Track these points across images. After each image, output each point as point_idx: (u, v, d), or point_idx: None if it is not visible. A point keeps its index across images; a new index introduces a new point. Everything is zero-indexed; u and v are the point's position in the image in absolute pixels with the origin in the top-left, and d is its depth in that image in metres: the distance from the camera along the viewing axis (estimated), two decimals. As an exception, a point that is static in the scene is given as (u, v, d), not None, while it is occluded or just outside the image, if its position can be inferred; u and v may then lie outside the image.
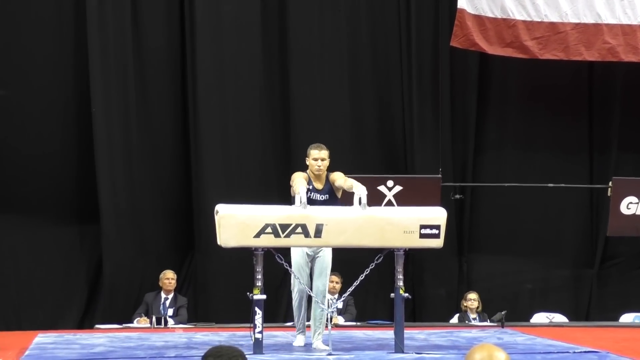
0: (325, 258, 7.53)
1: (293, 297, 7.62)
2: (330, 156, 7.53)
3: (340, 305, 9.58)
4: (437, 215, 7.24)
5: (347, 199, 7.53)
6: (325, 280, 7.57)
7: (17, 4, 10.44)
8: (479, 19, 10.40)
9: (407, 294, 7.27)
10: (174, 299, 10.01)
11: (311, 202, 7.15)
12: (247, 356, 2.83)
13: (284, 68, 10.93)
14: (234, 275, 10.17)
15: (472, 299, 10.26)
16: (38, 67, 10.52)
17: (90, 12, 10.39)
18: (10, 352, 7.28)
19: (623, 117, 11.37)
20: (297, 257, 7.49)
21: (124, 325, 9.68)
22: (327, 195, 7.41)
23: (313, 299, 7.49)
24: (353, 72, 11.07)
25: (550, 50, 10.50)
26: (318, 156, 7.41)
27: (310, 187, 7.35)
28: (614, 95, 11.43)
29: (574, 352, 7.27)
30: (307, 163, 7.48)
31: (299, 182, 7.17)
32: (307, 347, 7.58)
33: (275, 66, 10.94)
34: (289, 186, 7.40)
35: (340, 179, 7.40)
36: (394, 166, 11.01)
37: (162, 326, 9.40)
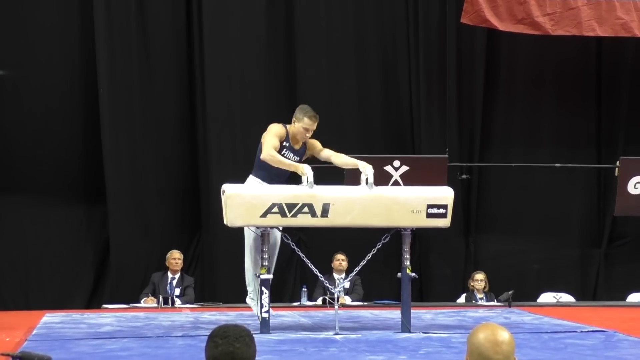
0: (276, 240, 7.43)
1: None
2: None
3: (347, 285, 9.59)
4: (445, 194, 7.23)
5: (352, 179, 7.49)
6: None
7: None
8: None
9: (414, 274, 7.26)
10: (181, 278, 10.03)
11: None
12: (254, 336, 2.82)
13: (290, 47, 10.90)
14: (241, 255, 10.16)
15: (479, 279, 10.25)
16: (45, 48, 10.52)
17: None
18: (18, 331, 7.30)
19: (632, 99, 11.32)
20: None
21: (132, 305, 9.70)
22: (299, 158, 7.27)
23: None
24: (359, 51, 11.03)
25: (562, 26, 10.40)
26: (310, 128, 7.22)
27: (287, 144, 7.20)
28: (623, 78, 11.38)
29: (581, 332, 7.27)
30: (294, 124, 7.22)
31: (288, 163, 7.05)
32: (314, 326, 7.59)
33: (281, 46, 10.90)
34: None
35: (321, 151, 7.27)
36: (401, 146, 10.98)
37: (169, 306, 9.42)
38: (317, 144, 7.37)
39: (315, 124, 7.22)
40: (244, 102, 10.84)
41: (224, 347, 2.65)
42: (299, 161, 7.24)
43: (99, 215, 10.64)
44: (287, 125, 7.26)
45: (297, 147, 7.26)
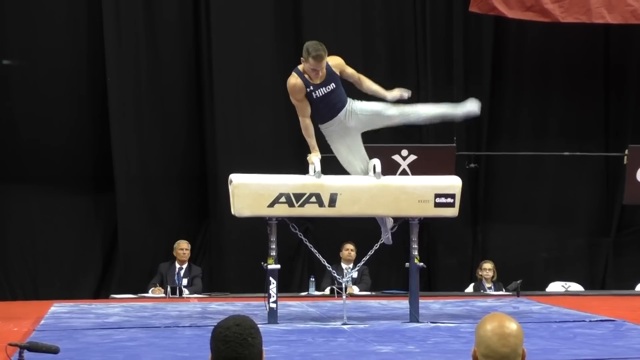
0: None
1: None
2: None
3: (355, 275, 9.58)
4: (452, 183, 7.21)
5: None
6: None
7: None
8: None
9: (422, 264, 7.24)
10: (189, 268, 10.02)
11: (317, 100, 6.93)
12: (262, 326, 2.80)
13: (297, 34, 10.85)
14: (249, 245, 10.17)
15: (488, 269, 10.22)
16: (53, 36, 10.52)
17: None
18: (26, 321, 7.31)
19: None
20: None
21: (139, 295, 9.71)
22: (333, 84, 6.98)
23: None
24: (367, 38, 11.00)
25: (572, 13, 10.32)
26: (318, 67, 6.85)
27: (310, 88, 6.96)
28: (631, 67, 11.33)
29: (590, 321, 7.25)
30: (304, 64, 6.95)
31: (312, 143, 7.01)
32: (322, 316, 7.58)
33: (289, 32, 10.87)
34: (304, 153, 7.27)
35: (346, 69, 7.03)
36: (409, 135, 10.93)
37: (177, 296, 9.42)
38: (339, 62, 7.02)
39: (323, 62, 6.85)
40: (252, 90, 10.81)
41: (227, 353, 2.65)
42: (335, 88, 6.96)
43: (107, 204, 10.64)
44: (300, 67, 6.99)
45: (320, 81, 6.96)
